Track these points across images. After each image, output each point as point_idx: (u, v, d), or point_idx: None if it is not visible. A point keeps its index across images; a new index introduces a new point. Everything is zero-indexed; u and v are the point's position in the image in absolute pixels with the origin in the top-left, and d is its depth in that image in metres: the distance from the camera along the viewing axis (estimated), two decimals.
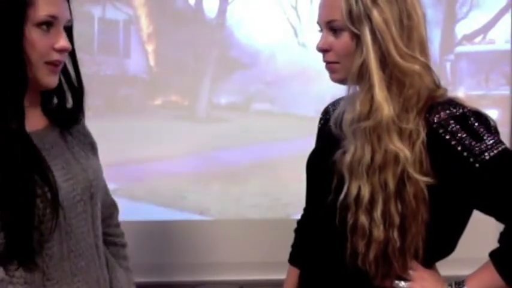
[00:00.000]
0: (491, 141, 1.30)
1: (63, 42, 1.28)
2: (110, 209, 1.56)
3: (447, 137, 1.31)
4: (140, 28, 2.31)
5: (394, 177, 1.32)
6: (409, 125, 1.32)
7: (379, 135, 1.32)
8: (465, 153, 1.29)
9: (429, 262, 1.42)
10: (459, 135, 1.30)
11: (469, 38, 2.43)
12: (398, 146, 1.31)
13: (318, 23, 1.41)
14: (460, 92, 2.45)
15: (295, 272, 1.63)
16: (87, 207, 1.37)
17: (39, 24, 1.25)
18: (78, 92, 1.39)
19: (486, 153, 1.29)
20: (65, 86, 1.38)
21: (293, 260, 1.67)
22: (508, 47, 2.42)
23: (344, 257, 1.37)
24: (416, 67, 1.33)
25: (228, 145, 2.32)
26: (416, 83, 1.33)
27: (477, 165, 1.29)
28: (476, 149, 1.29)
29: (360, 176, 1.34)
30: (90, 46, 2.20)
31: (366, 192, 1.33)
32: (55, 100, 1.39)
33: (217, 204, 2.38)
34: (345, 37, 1.36)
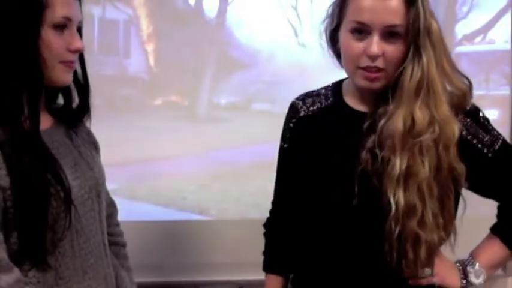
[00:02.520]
0: (495, 132, 1.42)
1: (77, 43, 1.30)
2: (110, 207, 1.57)
3: (463, 132, 1.38)
4: (140, 28, 2.31)
5: (439, 182, 1.35)
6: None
7: (438, 150, 1.33)
8: (479, 146, 1.39)
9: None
10: (473, 128, 1.39)
11: (469, 38, 2.43)
12: (456, 160, 1.35)
13: (362, 23, 1.33)
14: None
15: (278, 280, 1.60)
16: (94, 205, 1.39)
17: (55, 26, 1.26)
18: (85, 90, 1.40)
19: (496, 144, 1.40)
20: (71, 85, 1.39)
21: (273, 268, 1.62)
22: (508, 47, 2.42)
23: (379, 259, 1.37)
24: (465, 85, 1.39)
25: (228, 145, 2.32)
26: (461, 99, 1.38)
27: (490, 155, 1.39)
28: (488, 140, 1.40)
29: (410, 187, 1.34)
30: (90, 46, 2.20)
31: (416, 201, 1.33)
32: (59, 99, 1.41)
33: (217, 204, 2.38)
34: (402, 44, 1.33)
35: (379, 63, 1.33)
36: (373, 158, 1.35)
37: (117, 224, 1.61)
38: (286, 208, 1.59)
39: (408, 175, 1.32)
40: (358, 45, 1.33)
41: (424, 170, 1.32)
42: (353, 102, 1.44)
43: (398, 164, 1.32)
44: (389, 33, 1.32)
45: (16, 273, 1.22)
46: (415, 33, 1.31)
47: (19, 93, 1.24)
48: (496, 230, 1.46)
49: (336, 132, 1.44)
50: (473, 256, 1.46)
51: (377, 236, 1.36)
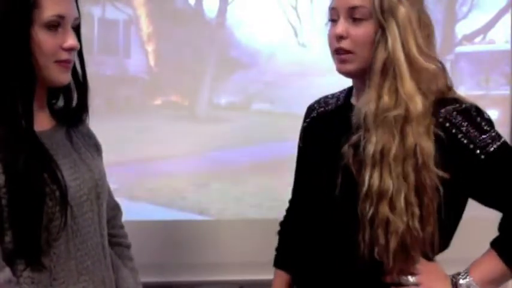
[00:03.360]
0: (493, 134, 1.36)
1: (71, 41, 1.29)
2: (114, 210, 1.57)
3: (453, 130, 1.34)
4: (140, 28, 2.30)
5: (414, 168, 1.33)
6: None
7: (405, 126, 1.34)
8: (471, 146, 1.34)
9: (431, 257, 1.43)
10: (464, 128, 1.35)
11: (469, 38, 2.42)
12: (423, 138, 1.33)
13: (332, 8, 1.40)
14: (460, 92, 2.44)
15: (283, 276, 1.63)
16: (93, 206, 1.38)
17: (46, 25, 1.25)
18: (83, 90, 1.40)
19: (490, 146, 1.34)
20: (71, 85, 1.39)
21: (280, 263, 1.66)
22: (508, 47, 2.42)
23: (355, 251, 1.37)
24: (433, 67, 1.36)
25: (228, 145, 2.32)
26: (430, 82, 1.35)
27: (483, 156, 1.33)
28: (482, 141, 1.34)
29: (384, 166, 1.34)
30: (90, 46, 2.20)
31: (389, 183, 1.33)
32: (60, 100, 1.40)
33: (217, 204, 2.38)
34: (367, 26, 1.37)
35: (345, 44, 1.37)
36: (356, 150, 1.38)
37: (122, 226, 1.61)
38: (297, 206, 1.60)
39: (382, 155, 1.34)
40: (332, 31, 1.41)
41: (390, 146, 1.33)
42: (355, 100, 1.47)
43: (373, 144, 1.34)
44: (352, 15, 1.37)
45: (7, 272, 1.21)
46: (379, 15, 1.35)
47: (14, 93, 1.24)
48: (495, 245, 1.38)
49: (337, 130, 1.46)
50: (468, 269, 1.40)
51: (354, 223, 1.36)
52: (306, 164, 1.58)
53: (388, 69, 1.35)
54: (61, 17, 1.26)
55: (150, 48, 2.31)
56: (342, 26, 1.37)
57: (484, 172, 1.35)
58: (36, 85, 1.27)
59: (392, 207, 1.34)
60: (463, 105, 1.37)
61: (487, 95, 2.41)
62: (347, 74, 1.42)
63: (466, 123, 1.35)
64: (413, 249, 1.36)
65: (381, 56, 1.35)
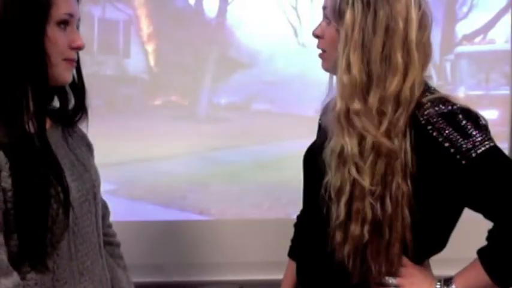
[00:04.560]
0: (479, 139, 1.29)
1: (79, 41, 1.30)
2: (103, 209, 1.57)
3: (434, 133, 1.31)
4: (140, 28, 2.30)
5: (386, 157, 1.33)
6: (383, 124, 1.32)
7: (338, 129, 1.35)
8: (452, 150, 1.29)
9: (420, 258, 1.42)
10: (446, 132, 1.30)
11: (469, 38, 2.42)
12: (346, 141, 1.33)
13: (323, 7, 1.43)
14: (460, 92, 2.45)
15: (293, 265, 1.64)
16: (91, 207, 1.38)
17: (59, 23, 1.27)
18: (81, 91, 1.40)
19: (473, 151, 1.28)
20: (66, 86, 1.39)
21: (291, 253, 1.69)
22: (508, 47, 2.42)
23: (327, 251, 1.38)
24: (386, 73, 1.32)
25: (228, 145, 2.32)
26: (390, 85, 1.33)
27: (464, 162, 1.28)
28: (464, 146, 1.28)
29: (339, 168, 1.35)
30: (90, 46, 2.20)
31: (347, 185, 1.34)
32: (55, 101, 1.40)
33: (217, 204, 2.38)
34: (332, 27, 1.38)
35: (320, 43, 1.42)
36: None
37: (110, 225, 1.62)
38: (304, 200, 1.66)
39: (340, 156, 1.35)
40: None
41: (338, 148, 1.35)
42: None
43: (329, 145, 1.37)
44: (325, 15, 1.40)
45: (15, 277, 1.21)
46: (334, 17, 1.36)
47: (24, 93, 1.24)
48: (481, 255, 1.34)
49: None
50: (453, 277, 1.37)
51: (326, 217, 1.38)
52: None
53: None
54: (71, 16, 1.28)
55: (150, 48, 2.31)
56: (320, 27, 1.41)
57: (466, 178, 1.30)
58: (48, 83, 1.27)
59: (348, 210, 1.34)
60: (449, 108, 1.32)
61: (487, 95, 2.41)
62: (326, 71, 1.45)
63: (449, 127, 1.30)
64: (371, 257, 1.36)
65: (335, 58, 1.37)
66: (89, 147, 1.50)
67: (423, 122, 1.33)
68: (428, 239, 1.41)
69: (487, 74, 2.42)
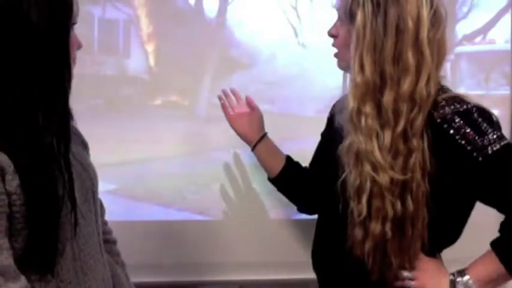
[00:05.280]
0: (494, 136, 1.34)
1: (79, 41, 1.34)
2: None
3: (451, 131, 1.34)
4: (140, 28, 2.30)
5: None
6: (399, 124, 1.33)
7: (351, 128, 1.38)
8: (469, 148, 1.33)
9: (433, 252, 1.44)
10: (463, 130, 1.34)
11: (469, 38, 2.42)
12: (360, 139, 1.34)
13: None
14: (460, 92, 2.44)
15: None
16: (91, 206, 1.39)
17: (73, 24, 1.29)
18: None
19: (489, 148, 1.32)
20: None
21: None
22: (508, 47, 2.42)
23: (345, 248, 1.38)
24: (399, 73, 1.34)
25: (228, 145, 2.32)
26: (403, 84, 1.33)
27: (480, 159, 1.32)
28: (480, 143, 1.33)
29: (356, 166, 1.35)
30: (90, 46, 2.20)
31: (367, 182, 1.34)
32: None
33: (217, 204, 2.38)
34: (345, 28, 1.39)
35: (335, 43, 1.46)
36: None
37: (105, 223, 1.63)
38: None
39: (350, 150, 1.38)
40: None
41: (354, 145, 1.38)
42: None
43: (347, 142, 1.40)
44: (339, 16, 1.43)
45: (23, 281, 1.21)
46: (345, 18, 1.38)
47: (54, 92, 1.23)
48: (494, 246, 1.39)
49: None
50: (467, 268, 1.41)
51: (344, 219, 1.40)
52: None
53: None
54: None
55: (150, 48, 2.31)
56: (334, 27, 1.44)
57: (483, 175, 1.34)
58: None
59: (368, 208, 1.35)
60: (464, 107, 1.36)
61: (487, 95, 2.41)
62: (342, 70, 1.48)
63: (465, 125, 1.34)
64: (393, 253, 1.37)
65: (349, 58, 1.39)
66: (84, 145, 1.50)
67: (439, 120, 1.35)
68: (443, 234, 1.43)
69: (487, 74, 2.42)
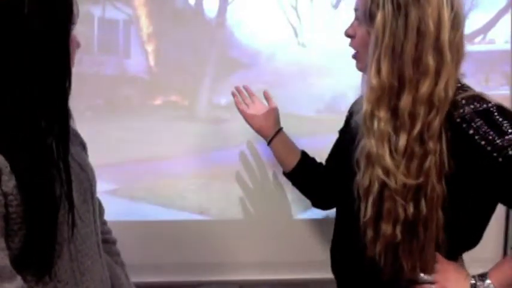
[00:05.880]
0: None
1: (78, 41, 1.33)
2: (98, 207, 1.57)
3: (471, 131, 1.32)
4: (140, 28, 2.30)
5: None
6: (415, 127, 1.32)
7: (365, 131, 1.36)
8: (489, 148, 1.30)
9: (454, 254, 1.43)
10: (483, 130, 1.31)
11: (469, 38, 2.42)
12: (372, 143, 1.33)
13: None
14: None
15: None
16: (89, 207, 1.38)
17: (73, 24, 1.28)
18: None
19: (509, 148, 1.29)
20: None
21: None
22: (508, 47, 2.42)
23: (359, 247, 1.38)
24: (418, 76, 1.32)
25: (228, 145, 2.32)
26: (421, 87, 1.33)
27: (500, 159, 1.29)
28: (500, 143, 1.29)
29: (367, 168, 1.35)
30: (90, 46, 2.20)
31: (375, 185, 1.34)
32: None
33: (217, 204, 2.38)
34: (363, 29, 1.38)
35: (352, 43, 1.44)
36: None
37: (105, 223, 1.62)
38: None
39: (364, 153, 1.37)
40: None
41: (368, 149, 1.36)
42: None
43: (362, 144, 1.39)
44: (357, 17, 1.42)
45: (19, 281, 1.21)
46: (364, 18, 1.37)
47: (54, 93, 1.23)
48: None
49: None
50: (488, 272, 1.39)
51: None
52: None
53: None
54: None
55: (150, 48, 2.31)
56: (351, 27, 1.42)
57: (503, 176, 1.31)
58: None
59: (377, 210, 1.35)
60: (484, 106, 1.34)
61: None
62: (360, 71, 1.45)
63: (484, 125, 1.32)
64: (403, 256, 1.36)
65: (366, 59, 1.37)
66: (83, 146, 1.50)
67: (458, 120, 1.33)
68: (462, 237, 1.41)
69: (487, 74, 2.42)
